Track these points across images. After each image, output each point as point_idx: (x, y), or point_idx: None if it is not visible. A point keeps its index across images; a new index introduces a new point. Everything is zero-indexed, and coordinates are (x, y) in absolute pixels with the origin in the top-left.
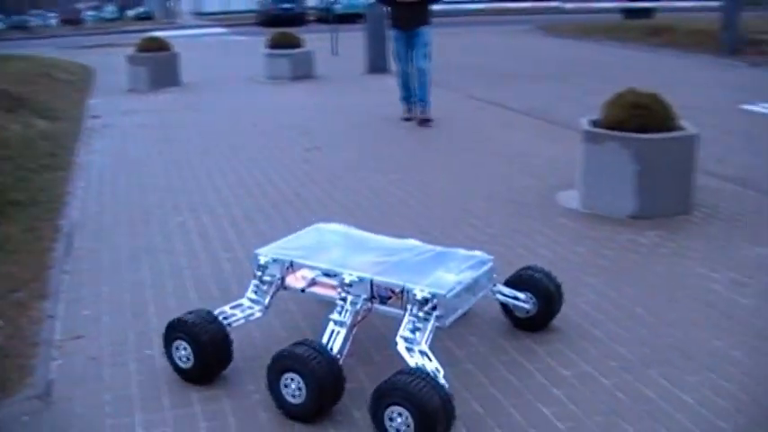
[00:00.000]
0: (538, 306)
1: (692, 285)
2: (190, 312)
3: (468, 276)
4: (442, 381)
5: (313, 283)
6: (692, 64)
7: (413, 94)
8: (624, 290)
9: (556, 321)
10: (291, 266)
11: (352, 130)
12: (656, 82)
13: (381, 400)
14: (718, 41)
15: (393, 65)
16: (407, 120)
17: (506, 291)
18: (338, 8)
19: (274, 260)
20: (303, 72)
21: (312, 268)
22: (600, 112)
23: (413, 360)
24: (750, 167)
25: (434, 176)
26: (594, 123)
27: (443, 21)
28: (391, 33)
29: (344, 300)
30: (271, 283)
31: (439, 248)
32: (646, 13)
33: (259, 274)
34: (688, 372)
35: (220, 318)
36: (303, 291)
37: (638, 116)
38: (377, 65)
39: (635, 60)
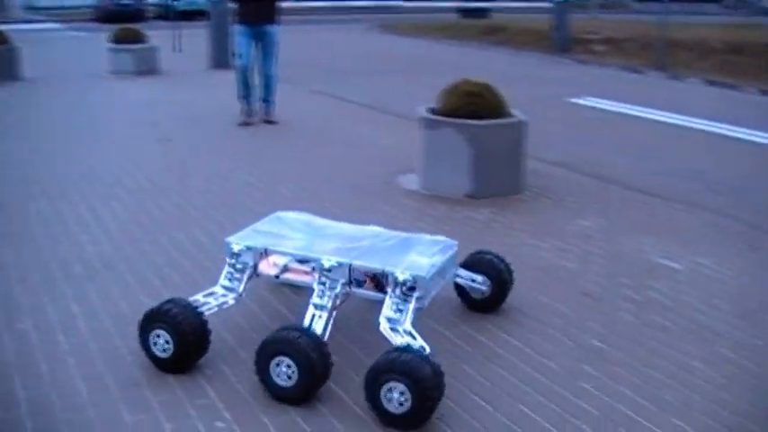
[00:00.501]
0: (492, 288)
1: (523, 253)
2: (168, 301)
3: (439, 260)
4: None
5: (285, 269)
6: (525, 61)
7: (251, 93)
8: (460, 259)
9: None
10: (265, 253)
11: (199, 123)
12: (491, 77)
13: (378, 377)
14: (549, 40)
15: (234, 60)
16: (246, 125)
17: (464, 274)
18: (179, 5)
19: (248, 248)
20: (147, 67)
21: (287, 254)
22: (436, 102)
23: (398, 339)
24: (574, 153)
25: (281, 165)
26: (433, 111)
27: (285, 19)
28: (236, 28)
29: (324, 284)
30: (244, 271)
31: (403, 234)
32: (481, 12)
33: (232, 261)
34: (521, 324)
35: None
36: (277, 277)
37: (472, 104)
38: (220, 61)
39: (471, 57)
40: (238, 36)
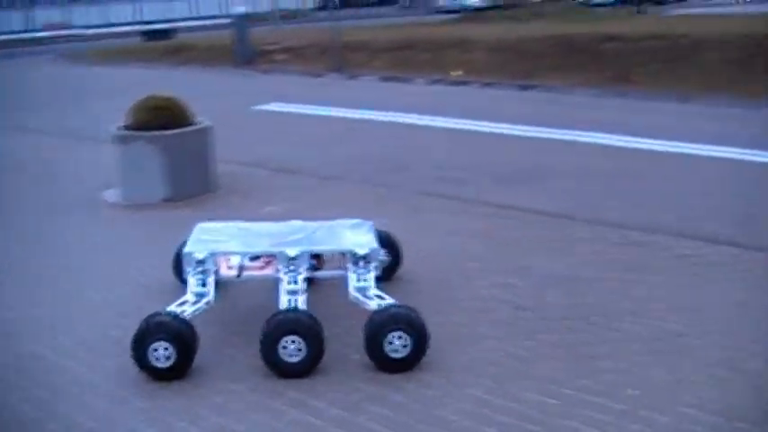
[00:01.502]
0: (391, 260)
1: None
2: (155, 315)
3: (373, 235)
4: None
5: (243, 268)
6: (212, 76)
7: None
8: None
9: None
10: (224, 257)
11: None
12: (180, 93)
13: (380, 330)
14: (233, 54)
15: None
16: None
17: None
18: None
19: (211, 254)
20: None
21: (246, 254)
22: (126, 118)
23: (372, 302)
24: (263, 154)
25: None
26: (126, 128)
27: None
28: None
29: (293, 272)
30: (209, 276)
31: (325, 222)
32: (164, 34)
33: (199, 269)
34: None
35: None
36: (239, 276)
37: (161, 116)
38: None
39: (159, 77)
40: None
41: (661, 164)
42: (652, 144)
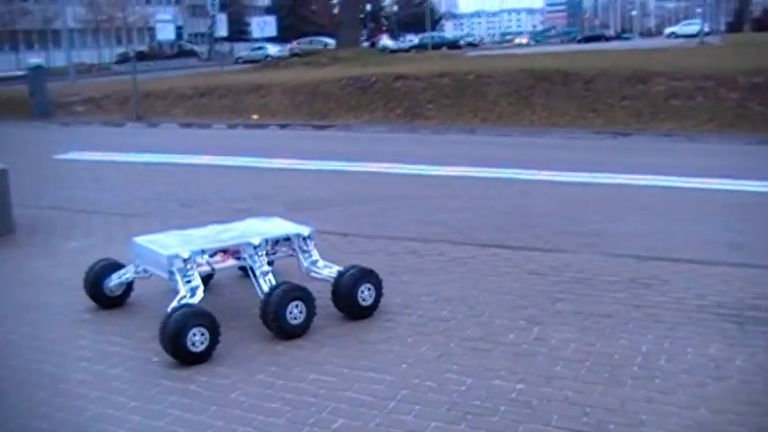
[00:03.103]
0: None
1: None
2: (184, 306)
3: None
4: None
5: (211, 263)
6: (8, 129)
7: None
8: None
9: None
10: (202, 254)
11: None
12: None
13: (354, 288)
14: (29, 107)
15: None
16: None
17: None
18: None
19: (193, 252)
20: None
21: (220, 250)
22: None
23: (325, 271)
24: (64, 198)
25: None
26: None
27: None
28: None
29: (260, 256)
30: (194, 271)
31: (249, 219)
32: None
33: (187, 266)
34: None
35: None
36: (213, 270)
37: None
38: None
39: None
40: None
41: (446, 186)
42: (438, 170)
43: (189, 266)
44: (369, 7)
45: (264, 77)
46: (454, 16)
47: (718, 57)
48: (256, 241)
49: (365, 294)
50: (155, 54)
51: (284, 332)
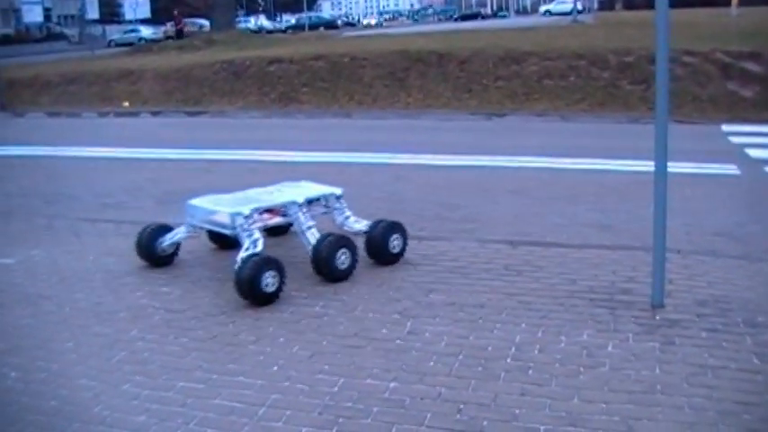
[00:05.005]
0: None
1: None
2: (254, 255)
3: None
4: None
5: (264, 219)
6: None
7: None
8: None
9: None
10: (258, 211)
11: None
12: None
13: (384, 236)
14: None
15: None
16: None
17: None
18: None
19: (253, 209)
20: None
21: (270, 208)
22: None
23: (357, 225)
24: None
25: None
26: None
27: None
28: None
29: (305, 214)
30: (254, 226)
31: (282, 183)
32: None
33: (249, 222)
34: None
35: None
36: (266, 225)
37: None
38: None
39: None
40: None
41: (320, 173)
42: (312, 156)
43: (250, 222)
44: None
45: (136, 63)
46: None
47: (591, 36)
48: (300, 200)
49: (395, 243)
50: (21, 38)
51: (334, 276)
